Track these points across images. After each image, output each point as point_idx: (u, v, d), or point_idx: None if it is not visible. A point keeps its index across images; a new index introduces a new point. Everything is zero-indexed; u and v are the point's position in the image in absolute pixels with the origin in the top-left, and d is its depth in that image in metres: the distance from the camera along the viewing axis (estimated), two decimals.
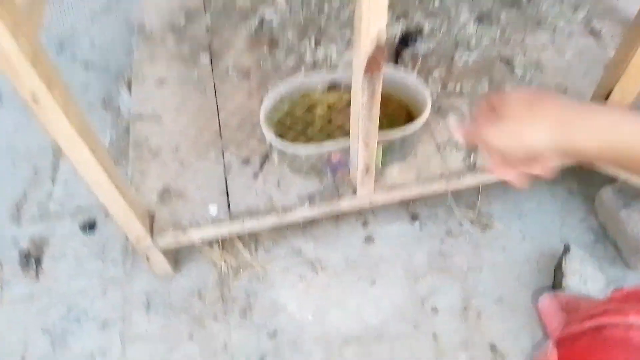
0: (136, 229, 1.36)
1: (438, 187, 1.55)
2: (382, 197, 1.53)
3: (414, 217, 1.74)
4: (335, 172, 1.50)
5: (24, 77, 0.90)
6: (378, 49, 1.05)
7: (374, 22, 1.00)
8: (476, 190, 1.76)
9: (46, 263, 1.67)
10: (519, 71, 1.80)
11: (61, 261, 1.67)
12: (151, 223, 1.44)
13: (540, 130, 0.70)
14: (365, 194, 1.49)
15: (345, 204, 1.50)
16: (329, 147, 1.44)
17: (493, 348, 1.48)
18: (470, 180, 1.56)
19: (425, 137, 1.61)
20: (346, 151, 1.41)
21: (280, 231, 1.67)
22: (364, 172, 1.40)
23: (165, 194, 1.50)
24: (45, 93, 0.94)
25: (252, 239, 1.68)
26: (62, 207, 1.80)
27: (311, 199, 1.48)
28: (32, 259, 1.67)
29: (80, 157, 1.09)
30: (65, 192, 1.84)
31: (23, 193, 1.85)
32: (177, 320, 1.53)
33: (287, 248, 1.67)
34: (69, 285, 1.61)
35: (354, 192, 1.49)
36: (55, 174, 1.90)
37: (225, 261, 1.63)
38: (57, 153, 1.95)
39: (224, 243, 1.66)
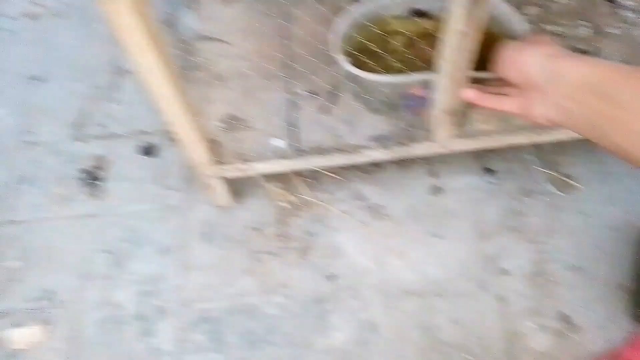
0: (200, 155, 1.30)
1: (523, 139, 1.41)
2: (461, 145, 1.40)
3: (487, 171, 1.61)
4: (414, 110, 1.37)
5: None
6: None
7: None
8: (559, 148, 1.60)
9: (106, 183, 1.65)
10: (626, 13, 1.57)
11: (121, 183, 1.65)
12: (215, 151, 1.37)
13: (533, 55, 0.83)
14: (444, 139, 1.36)
15: (421, 148, 1.38)
16: (410, 79, 1.29)
17: (565, 318, 1.38)
18: (560, 135, 1.40)
19: None
20: (428, 87, 1.28)
21: (344, 172, 1.58)
22: (447, 114, 1.27)
23: (230, 122, 1.42)
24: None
25: (313, 178, 1.60)
26: (122, 127, 1.76)
27: (383, 140, 1.37)
28: (92, 178, 1.65)
29: (152, 68, 1.01)
30: (126, 113, 1.80)
31: (83, 111, 1.82)
32: (235, 253, 1.49)
33: (349, 191, 1.59)
34: (129, 208, 1.59)
35: (431, 136, 1.37)
36: (116, 94, 1.85)
37: (285, 198, 1.57)
38: (119, 72, 1.90)
39: (285, 179, 1.59)
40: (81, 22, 2.06)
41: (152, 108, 1.66)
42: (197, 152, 1.29)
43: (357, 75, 1.29)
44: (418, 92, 1.31)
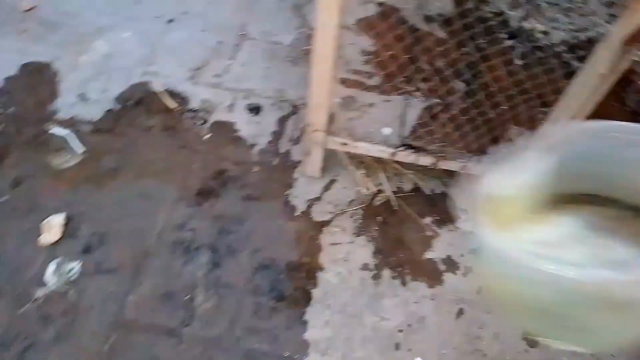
0: (320, 120, 1.43)
1: None
2: None
3: None
4: None
5: None
6: None
7: None
8: None
9: (210, 126, 1.79)
10: None
11: (222, 129, 1.79)
12: (330, 121, 1.50)
13: None
14: None
15: None
16: None
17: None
18: None
19: None
20: None
21: (425, 177, 1.70)
22: None
23: (348, 102, 1.56)
24: None
25: (397, 175, 1.71)
26: (234, 83, 1.91)
27: (480, 157, 1.49)
28: (200, 118, 1.80)
29: (330, 24, 1.14)
30: (240, 72, 1.95)
31: (204, 59, 1.98)
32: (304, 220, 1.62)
33: (425, 197, 1.69)
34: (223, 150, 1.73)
35: None
36: (236, 53, 2.01)
37: (366, 184, 1.68)
38: (242, 36, 2.06)
39: (369, 169, 1.71)
40: None
41: (265, 74, 1.84)
42: (317, 117, 1.43)
43: None
44: None
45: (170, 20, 2.10)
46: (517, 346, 1.45)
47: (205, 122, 1.79)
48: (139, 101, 1.83)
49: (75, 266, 1.49)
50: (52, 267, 1.48)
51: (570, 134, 0.82)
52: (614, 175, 0.82)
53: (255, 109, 1.84)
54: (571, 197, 0.86)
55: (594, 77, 1.15)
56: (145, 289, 1.47)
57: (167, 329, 1.41)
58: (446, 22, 1.81)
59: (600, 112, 1.38)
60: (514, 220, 0.84)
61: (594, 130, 0.81)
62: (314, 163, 1.62)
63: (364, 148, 1.51)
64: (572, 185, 0.86)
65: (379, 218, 1.63)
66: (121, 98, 1.84)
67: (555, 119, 1.33)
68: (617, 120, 0.77)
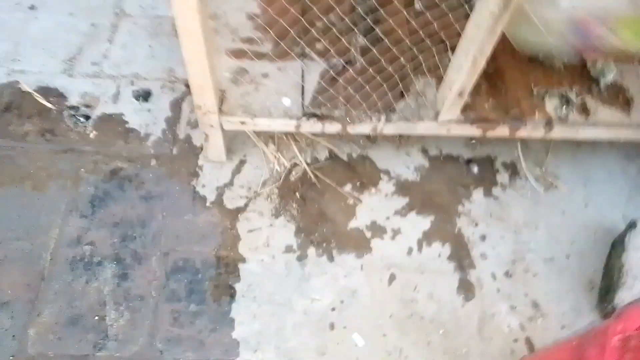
0: (208, 101, 1.28)
1: (522, 132, 1.46)
2: (462, 130, 1.43)
3: (469, 161, 1.65)
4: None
5: None
6: None
7: None
8: (546, 147, 1.67)
9: (94, 122, 1.59)
10: None
11: (109, 123, 1.60)
12: (221, 100, 1.35)
13: None
14: (447, 120, 1.40)
15: (424, 127, 1.41)
16: None
17: (535, 305, 1.44)
18: (553, 134, 1.46)
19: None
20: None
21: (339, 143, 1.60)
22: (457, 95, 1.30)
23: (240, 76, 1.41)
24: None
25: (309, 145, 1.60)
26: (116, 69, 1.70)
27: (388, 115, 1.39)
28: (81, 114, 1.59)
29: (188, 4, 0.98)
30: (121, 55, 1.74)
31: (77, 47, 1.75)
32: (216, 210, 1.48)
33: (343, 164, 1.60)
34: (113, 147, 1.55)
35: (435, 116, 1.40)
36: (114, 34, 1.79)
37: (278, 161, 1.56)
38: (119, 14, 1.83)
39: (279, 143, 1.58)
40: None
41: (150, 54, 1.64)
42: (205, 97, 1.27)
43: None
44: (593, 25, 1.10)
45: (32, 7, 1.83)
46: (453, 303, 1.41)
47: (88, 118, 1.59)
48: (7, 106, 1.60)
49: None
50: None
51: None
52: None
53: (143, 95, 1.65)
54: None
55: (486, 16, 1.06)
56: (47, 318, 1.31)
57: (79, 357, 1.26)
58: None
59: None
60: None
61: None
62: (216, 147, 1.48)
63: (265, 124, 1.37)
64: None
65: (297, 194, 1.52)
66: None
67: (457, 64, 1.24)
68: None
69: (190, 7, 1.00)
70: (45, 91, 1.64)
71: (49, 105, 1.60)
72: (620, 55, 1.22)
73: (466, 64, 1.21)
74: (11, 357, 1.25)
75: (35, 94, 1.62)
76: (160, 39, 1.78)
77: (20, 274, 1.35)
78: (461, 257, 1.48)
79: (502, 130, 1.44)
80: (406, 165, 1.61)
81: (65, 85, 1.65)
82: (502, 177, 1.63)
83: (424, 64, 1.38)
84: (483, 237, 1.52)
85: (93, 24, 1.81)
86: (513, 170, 1.64)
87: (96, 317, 1.31)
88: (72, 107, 1.61)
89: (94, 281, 1.36)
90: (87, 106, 1.61)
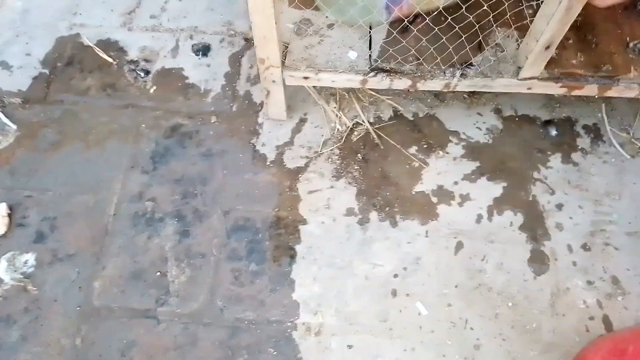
0: (271, 54, 1.21)
1: (612, 92, 1.31)
2: (544, 87, 1.31)
3: (547, 122, 1.52)
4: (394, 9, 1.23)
5: None
6: None
7: None
8: (635, 110, 1.51)
9: (154, 77, 1.56)
10: None
11: (168, 78, 1.56)
12: (284, 53, 1.28)
13: None
14: (529, 77, 1.27)
15: (502, 83, 1.29)
16: None
17: (615, 281, 1.33)
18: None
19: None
20: None
21: (405, 101, 1.50)
22: (543, 49, 1.18)
23: (303, 27, 1.32)
24: None
25: (373, 104, 1.52)
26: (174, 22, 1.66)
27: (464, 71, 1.28)
28: (141, 69, 1.56)
29: None
30: (179, 7, 1.69)
31: (137, 0, 1.71)
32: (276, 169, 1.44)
33: (408, 124, 1.50)
34: (173, 103, 1.52)
35: (516, 72, 1.27)
36: None
37: (340, 119, 1.49)
38: None
39: (341, 101, 1.51)
40: None
41: (208, 5, 1.58)
42: (269, 52, 1.20)
43: None
44: None
45: None
46: (523, 274, 1.32)
47: (148, 73, 1.56)
48: (69, 61, 1.59)
49: (29, 258, 1.34)
50: (3, 263, 1.32)
51: None
52: None
53: (203, 50, 1.60)
54: None
55: None
56: (111, 272, 1.32)
57: (142, 311, 1.28)
58: None
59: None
60: None
61: None
62: (277, 104, 1.42)
63: (329, 80, 1.30)
64: None
65: (359, 155, 1.45)
66: (49, 60, 1.60)
67: (548, 11, 1.11)
68: None
69: None
70: (106, 45, 1.62)
71: (109, 59, 1.59)
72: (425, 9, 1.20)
73: (558, 11, 1.07)
74: (78, 308, 1.28)
75: (96, 48, 1.60)
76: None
77: (84, 228, 1.37)
78: (534, 226, 1.38)
79: (591, 89, 1.30)
80: (477, 127, 1.50)
81: (125, 39, 1.63)
82: (584, 141, 1.49)
83: (507, 13, 1.24)
84: (559, 206, 1.41)
85: None
86: (596, 134, 1.50)
87: (158, 273, 1.32)
88: (132, 62, 1.58)
89: (155, 237, 1.36)
90: (147, 60, 1.59)
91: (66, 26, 1.66)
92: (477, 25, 1.22)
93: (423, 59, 1.27)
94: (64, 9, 1.68)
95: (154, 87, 1.54)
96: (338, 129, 1.48)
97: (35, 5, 1.69)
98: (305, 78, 1.30)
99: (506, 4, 1.16)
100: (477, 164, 1.45)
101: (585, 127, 1.51)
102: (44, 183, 1.42)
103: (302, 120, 1.50)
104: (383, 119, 1.51)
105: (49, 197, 1.40)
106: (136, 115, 1.50)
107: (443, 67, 1.27)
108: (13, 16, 1.68)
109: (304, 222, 1.38)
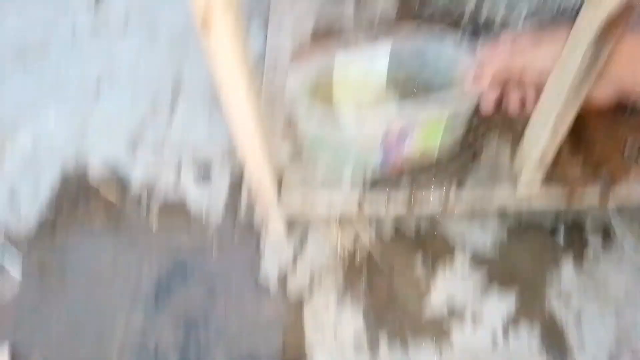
0: (266, 193, 1.22)
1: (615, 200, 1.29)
2: (545, 201, 1.29)
3: (554, 229, 1.48)
4: (393, 164, 1.25)
5: None
6: (628, 8, 0.80)
7: None
8: None
9: (156, 210, 1.59)
10: None
11: (170, 210, 1.58)
12: (279, 185, 1.29)
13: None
14: (527, 192, 1.26)
15: (502, 195, 1.28)
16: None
17: None
18: None
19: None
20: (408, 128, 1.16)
21: (405, 217, 1.49)
22: (537, 161, 1.17)
23: (296, 156, 1.35)
24: (219, 15, 0.78)
25: (373, 223, 1.51)
26: (177, 146, 1.71)
27: (459, 189, 1.27)
28: (145, 201, 1.59)
29: (236, 95, 0.94)
30: (181, 130, 1.75)
31: (140, 123, 1.78)
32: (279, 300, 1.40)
33: (410, 241, 1.48)
34: (175, 237, 1.52)
35: (513, 185, 1.26)
36: (175, 107, 1.81)
37: (341, 242, 1.48)
38: (177, 90, 1.86)
39: (343, 223, 1.50)
40: (143, 37, 2.05)
41: (209, 132, 1.64)
42: (266, 191, 1.22)
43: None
44: (395, 137, 1.16)
45: (97, 90, 1.89)
46: None
47: (150, 207, 1.59)
48: (75, 200, 1.63)
49: None
50: None
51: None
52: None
53: (204, 174, 1.63)
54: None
55: (568, 79, 0.94)
56: None
57: None
58: (391, 26, 1.60)
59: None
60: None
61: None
62: (276, 232, 1.42)
63: (325, 207, 1.30)
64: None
65: (363, 278, 1.42)
66: (55, 200, 1.64)
67: (535, 134, 1.11)
68: None
69: (246, 111, 0.95)
70: (110, 179, 1.66)
71: (114, 196, 1.62)
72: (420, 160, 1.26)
73: (547, 127, 1.08)
74: None
75: (100, 184, 1.65)
76: (218, 116, 1.77)
77: None
78: (555, 343, 1.30)
79: (592, 199, 1.28)
80: (482, 239, 1.47)
81: (129, 168, 1.67)
82: (595, 246, 1.44)
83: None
84: (578, 320, 1.34)
85: (154, 98, 1.84)
86: (606, 237, 1.45)
87: None
88: (135, 196, 1.61)
89: None
90: (150, 190, 1.62)
91: (73, 157, 1.71)
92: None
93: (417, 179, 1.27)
94: (71, 140, 1.75)
95: (157, 221, 1.56)
96: (340, 250, 1.46)
97: (42, 144, 1.77)
98: (302, 207, 1.30)
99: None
100: (486, 278, 1.40)
101: (594, 230, 1.47)
102: (48, 326, 1.40)
103: (303, 244, 1.49)
104: (384, 237, 1.48)
105: (52, 340, 1.38)
106: (139, 252, 1.51)
107: (438, 185, 1.27)
108: (22, 153, 1.75)
109: (311, 354, 1.32)
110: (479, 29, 1.57)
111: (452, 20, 1.60)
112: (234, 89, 0.93)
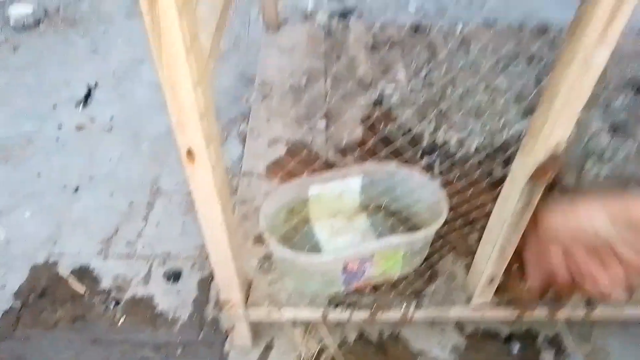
0: (234, 296, 1.28)
1: (564, 313, 1.38)
2: (497, 313, 1.37)
3: (509, 338, 1.55)
4: (356, 284, 1.35)
5: (189, 132, 0.86)
6: (552, 159, 0.95)
7: (556, 132, 0.90)
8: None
9: (124, 307, 1.60)
10: None
11: (138, 307, 1.60)
12: (247, 291, 1.35)
13: (594, 209, 0.81)
14: (480, 304, 1.34)
15: (456, 312, 1.36)
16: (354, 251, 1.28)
17: None
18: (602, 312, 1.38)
19: None
20: (366, 259, 1.28)
21: (368, 328, 1.54)
22: (487, 282, 1.27)
23: (266, 263, 1.42)
24: (203, 150, 0.89)
25: (338, 326, 1.55)
26: (149, 248, 1.76)
27: (419, 301, 1.35)
28: (112, 298, 1.61)
29: (212, 215, 1.03)
30: (155, 233, 1.80)
31: (115, 226, 1.83)
32: None
33: (373, 346, 1.52)
34: (140, 335, 1.53)
35: (467, 300, 1.35)
36: (150, 212, 1.88)
37: (307, 345, 1.51)
38: (155, 192, 1.94)
39: (308, 325, 1.54)
40: (125, 138, 2.16)
41: (182, 231, 1.70)
42: (231, 293, 1.27)
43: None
44: (355, 266, 1.29)
45: (76, 189, 1.96)
46: None
47: (118, 302, 1.60)
48: (42, 292, 1.64)
49: None
50: None
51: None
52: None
53: (173, 276, 1.67)
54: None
55: (508, 215, 1.06)
56: None
57: None
58: (358, 147, 1.75)
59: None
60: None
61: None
62: (241, 336, 1.44)
63: (291, 314, 1.35)
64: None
65: None
66: (22, 292, 1.64)
67: (485, 253, 1.22)
68: None
69: (220, 229, 1.04)
70: (80, 274, 1.69)
71: (82, 290, 1.64)
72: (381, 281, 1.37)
73: (494, 254, 1.18)
74: None
75: (70, 278, 1.67)
76: (192, 215, 1.85)
77: None
78: None
79: (541, 312, 1.36)
80: (441, 345, 1.52)
81: (100, 267, 1.70)
82: (547, 356, 1.51)
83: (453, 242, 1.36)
84: None
85: (131, 202, 1.91)
86: (558, 348, 1.52)
87: None
88: (104, 291, 1.63)
89: None
90: (119, 289, 1.64)
91: (45, 255, 1.74)
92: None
93: (379, 291, 1.34)
94: (45, 238, 1.79)
95: (123, 317, 1.57)
96: (305, 356, 1.49)
97: (17, 236, 1.79)
98: (269, 313, 1.35)
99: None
100: None
101: (547, 340, 1.54)
102: None
103: (269, 347, 1.51)
104: (349, 341, 1.52)
105: None
106: (103, 350, 1.50)
107: (399, 298, 1.34)
108: None
109: None
110: (436, 148, 1.74)
111: (411, 140, 1.77)
112: (211, 210, 1.02)
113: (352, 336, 1.54)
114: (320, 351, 1.50)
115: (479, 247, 1.25)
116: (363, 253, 1.25)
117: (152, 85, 2.42)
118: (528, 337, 1.54)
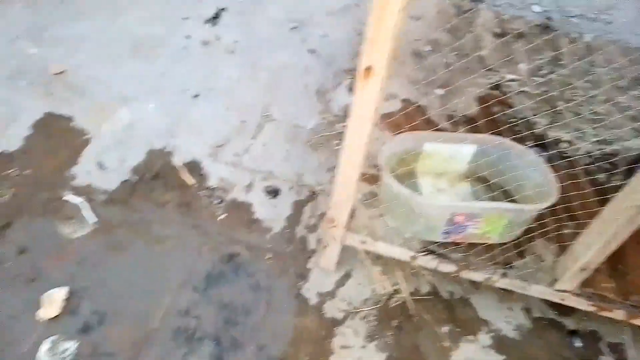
0: (341, 217, 1.39)
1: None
2: (576, 302, 1.43)
3: (573, 333, 1.60)
4: (453, 237, 1.42)
5: (377, 49, 0.96)
6: None
7: None
8: None
9: (225, 206, 1.75)
10: None
11: (237, 209, 1.75)
12: (350, 217, 1.45)
13: None
14: (563, 290, 1.40)
15: (538, 290, 1.42)
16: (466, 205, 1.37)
17: None
18: None
19: None
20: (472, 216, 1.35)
21: (443, 280, 1.63)
22: (578, 270, 1.32)
23: (369, 199, 1.52)
24: (382, 67, 0.99)
25: (414, 275, 1.65)
26: (254, 163, 1.89)
27: (506, 271, 1.42)
28: (216, 196, 1.76)
29: (360, 132, 1.13)
30: (261, 152, 1.94)
31: (226, 136, 1.98)
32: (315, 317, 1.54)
33: (443, 302, 1.61)
34: (236, 233, 1.68)
35: (551, 282, 1.41)
36: (258, 133, 2.01)
37: (382, 283, 1.61)
38: (265, 117, 2.07)
39: (386, 266, 1.64)
40: (246, 62, 2.30)
41: (285, 157, 1.82)
42: (340, 213, 1.38)
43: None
44: (461, 219, 1.36)
45: (196, 95, 2.12)
46: None
47: (221, 201, 1.76)
48: (156, 174, 1.81)
49: (70, 347, 1.40)
50: (46, 345, 1.39)
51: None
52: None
53: (273, 192, 1.81)
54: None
55: (626, 209, 1.11)
56: None
57: None
58: (469, 121, 1.81)
59: None
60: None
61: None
62: (330, 257, 1.56)
63: (383, 248, 1.45)
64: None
65: (394, 322, 1.54)
66: (139, 169, 1.82)
67: (588, 241, 1.27)
68: None
69: (364, 133, 1.14)
70: (191, 168, 1.85)
71: (190, 181, 1.80)
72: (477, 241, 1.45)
73: (597, 244, 1.24)
74: None
75: (182, 169, 1.83)
76: (296, 145, 1.97)
77: (129, 331, 1.45)
78: None
79: (619, 314, 1.41)
80: (507, 321, 1.59)
81: (209, 167, 1.86)
82: (608, 359, 1.56)
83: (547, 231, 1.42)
84: None
85: (243, 120, 2.05)
86: (620, 355, 1.57)
87: None
88: (210, 188, 1.79)
89: (191, 355, 1.42)
90: (223, 190, 1.79)
91: (161, 144, 1.91)
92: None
93: (472, 252, 1.42)
94: (164, 130, 1.96)
95: (224, 215, 1.72)
96: (379, 292, 1.59)
97: (141, 121, 1.97)
98: (363, 242, 1.46)
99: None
100: (504, 358, 1.51)
101: (610, 345, 1.58)
102: (104, 278, 1.54)
103: (347, 275, 1.63)
104: (421, 292, 1.62)
105: (105, 292, 1.51)
106: (202, 237, 1.66)
107: (488, 263, 1.41)
108: (120, 126, 1.95)
109: None
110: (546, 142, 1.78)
111: (524, 129, 1.81)
112: (362, 126, 1.12)
113: (424, 289, 1.63)
114: (394, 293, 1.60)
115: (582, 235, 1.30)
116: (473, 209, 1.33)
117: (275, 23, 2.53)
118: (591, 338, 1.59)
